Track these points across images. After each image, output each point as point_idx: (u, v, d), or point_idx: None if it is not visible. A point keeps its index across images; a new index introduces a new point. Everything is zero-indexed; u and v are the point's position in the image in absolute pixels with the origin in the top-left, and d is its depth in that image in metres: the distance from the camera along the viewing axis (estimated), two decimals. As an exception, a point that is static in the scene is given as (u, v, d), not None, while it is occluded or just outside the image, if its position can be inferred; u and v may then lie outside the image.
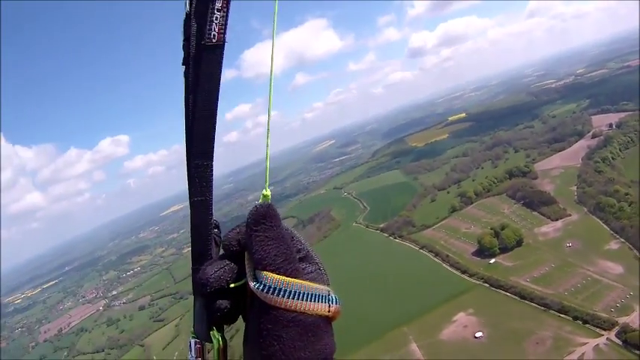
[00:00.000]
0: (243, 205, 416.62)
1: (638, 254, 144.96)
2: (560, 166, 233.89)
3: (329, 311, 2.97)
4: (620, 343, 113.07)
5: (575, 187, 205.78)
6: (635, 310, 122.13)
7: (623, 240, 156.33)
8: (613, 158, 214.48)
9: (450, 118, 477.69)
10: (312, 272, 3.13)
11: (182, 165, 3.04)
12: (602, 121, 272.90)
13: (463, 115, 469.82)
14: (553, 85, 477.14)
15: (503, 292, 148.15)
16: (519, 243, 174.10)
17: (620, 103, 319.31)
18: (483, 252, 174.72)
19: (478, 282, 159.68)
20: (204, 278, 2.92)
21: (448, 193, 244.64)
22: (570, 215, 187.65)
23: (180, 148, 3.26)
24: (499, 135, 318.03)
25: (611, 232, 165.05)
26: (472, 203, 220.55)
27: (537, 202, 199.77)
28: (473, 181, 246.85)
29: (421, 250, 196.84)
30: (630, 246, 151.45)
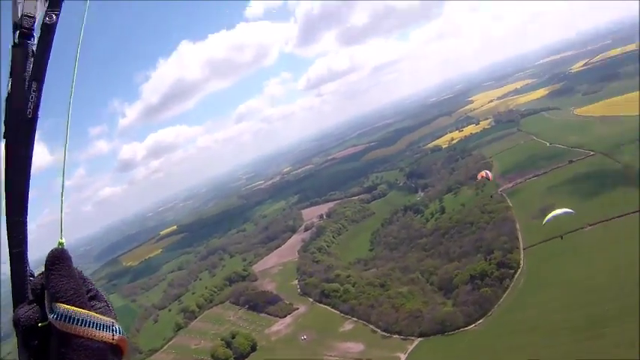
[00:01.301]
0: None
1: (373, 327, 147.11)
2: (278, 263, 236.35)
3: (113, 339, 3.45)
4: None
5: (296, 281, 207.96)
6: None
7: (355, 319, 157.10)
8: (328, 246, 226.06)
9: (161, 232, 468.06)
10: (100, 308, 3.62)
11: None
12: (312, 214, 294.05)
13: (174, 227, 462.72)
14: (262, 186, 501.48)
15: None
16: (254, 348, 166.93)
17: (327, 194, 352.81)
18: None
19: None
20: (15, 319, 3.47)
21: (170, 310, 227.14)
22: (298, 308, 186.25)
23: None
24: (213, 243, 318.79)
25: (342, 314, 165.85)
26: (197, 317, 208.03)
27: (262, 303, 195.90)
28: (193, 294, 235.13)
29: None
30: (364, 322, 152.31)
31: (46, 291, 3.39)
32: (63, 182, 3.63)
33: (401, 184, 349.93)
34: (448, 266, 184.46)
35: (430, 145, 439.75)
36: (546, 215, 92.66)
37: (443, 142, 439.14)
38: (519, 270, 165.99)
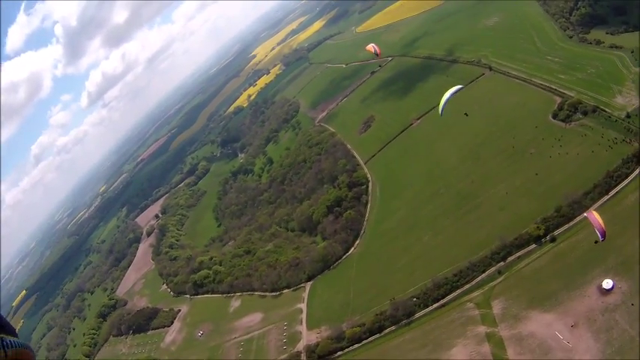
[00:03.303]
0: None
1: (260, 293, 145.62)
2: (138, 278, 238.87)
3: (6, 356, 3.66)
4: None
5: (165, 285, 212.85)
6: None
7: (239, 294, 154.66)
8: (177, 240, 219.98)
9: (13, 304, 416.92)
10: None
11: None
12: (147, 218, 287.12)
13: (24, 292, 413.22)
14: (86, 215, 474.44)
15: None
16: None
17: (153, 194, 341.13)
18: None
19: None
20: None
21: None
22: (180, 310, 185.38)
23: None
24: (67, 289, 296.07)
25: (224, 295, 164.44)
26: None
27: (144, 322, 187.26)
28: (75, 346, 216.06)
29: None
30: (249, 293, 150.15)
31: None
32: None
33: (218, 155, 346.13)
34: (301, 208, 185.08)
35: (231, 109, 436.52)
36: (439, 106, 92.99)
37: (242, 101, 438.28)
38: (370, 183, 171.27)
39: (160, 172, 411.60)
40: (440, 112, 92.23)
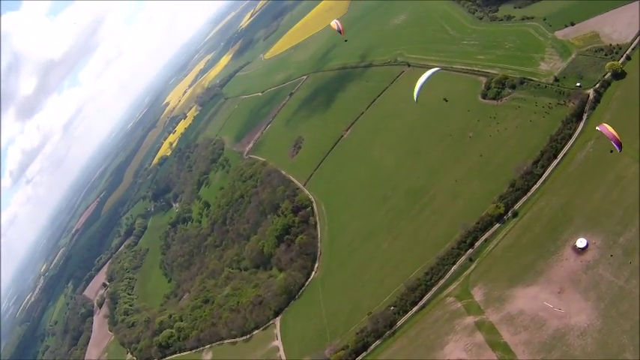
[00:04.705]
0: None
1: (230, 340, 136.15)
2: (100, 352, 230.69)
3: None
4: None
5: (129, 355, 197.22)
6: None
7: (208, 345, 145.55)
8: (131, 305, 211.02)
9: None
10: None
11: None
12: (94, 288, 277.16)
13: None
14: (32, 299, 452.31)
15: None
16: None
17: (95, 263, 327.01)
18: None
19: None
20: None
21: None
22: None
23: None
24: None
25: (193, 351, 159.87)
26: None
27: None
28: None
29: None
30: (219, 342, 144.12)
31: None
32: None
33: (153, 209, 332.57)
34: (249, 244, 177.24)
35: (155, 161, 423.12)
36: (414, 92, 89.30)
37: (165, 151, 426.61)
38: (314, 204, 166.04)
39: (98, 239, 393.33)
40: (415, 97, 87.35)
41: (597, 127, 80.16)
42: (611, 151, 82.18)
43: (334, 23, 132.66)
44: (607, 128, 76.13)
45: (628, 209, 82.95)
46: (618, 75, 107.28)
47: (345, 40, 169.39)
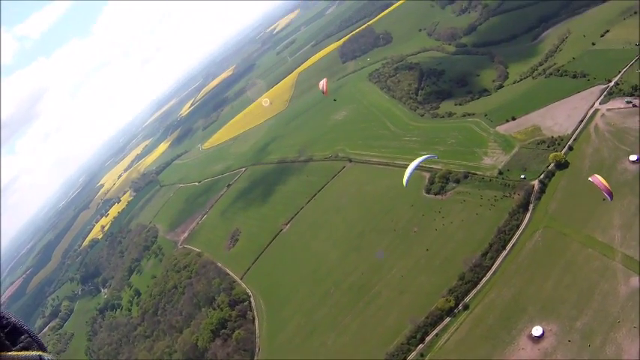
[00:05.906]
0: None
1: None
2: None
3: None
4: None
5: None
6: None
7: None
8: None
9: None
10: (22, 341, 3.66)
11: None
12: None
13: None
14: None
15: None
16: None
17: None
18: None
19: None
20: None
21: None
22: None
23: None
24: None
25: None
26: None
27: None
28: None
29: None
30: None
31: None
32: None
33: (80, 293, 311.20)
34: (182, 337, 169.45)
35: (86, 243, 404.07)
36: (404, 177, 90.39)
37: (96, 233, 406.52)
38: (251, 298, 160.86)
39: (22, 317, 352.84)
40: (405, 183, 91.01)
41: (590, 179, 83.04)
42: (604, 199, 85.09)
43: (321, 83, 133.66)
44: (598, 179, 79.70)
45: (582, 293, 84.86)
46: (562, 165, 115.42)
47: (334, 100, 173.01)
